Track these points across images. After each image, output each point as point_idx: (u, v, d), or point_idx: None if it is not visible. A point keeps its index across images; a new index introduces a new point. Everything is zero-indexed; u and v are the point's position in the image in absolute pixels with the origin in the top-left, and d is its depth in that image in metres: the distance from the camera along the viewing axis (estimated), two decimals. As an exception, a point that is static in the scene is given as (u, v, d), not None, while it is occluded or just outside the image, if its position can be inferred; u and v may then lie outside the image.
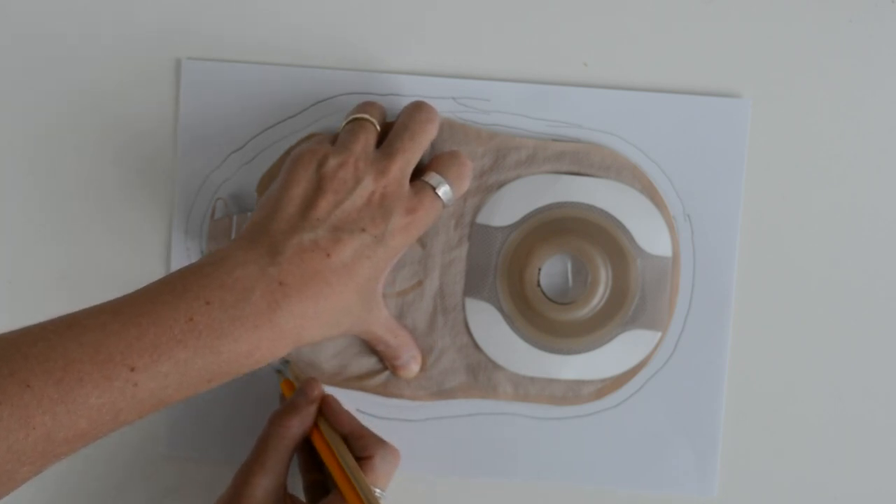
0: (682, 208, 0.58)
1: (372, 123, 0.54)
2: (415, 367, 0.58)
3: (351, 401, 0.59)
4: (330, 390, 0.59)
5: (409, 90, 0.59)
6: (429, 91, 0.58)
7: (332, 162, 0.51)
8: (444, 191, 0.54)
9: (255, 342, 0.47)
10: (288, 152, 0.59)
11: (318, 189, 0.51)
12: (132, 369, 0.44)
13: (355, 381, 0.59)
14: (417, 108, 0.54)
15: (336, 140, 0.54)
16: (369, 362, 0.59)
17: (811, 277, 0.59)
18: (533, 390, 0.58)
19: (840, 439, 0.59)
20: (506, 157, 0.58)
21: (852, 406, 0.59)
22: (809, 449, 0.60)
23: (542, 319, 0.58)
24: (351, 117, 0.55)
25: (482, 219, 0.58)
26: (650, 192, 0.58)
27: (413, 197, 0.53)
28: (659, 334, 0.58)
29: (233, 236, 0.58)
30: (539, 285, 0.58)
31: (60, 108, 0.60)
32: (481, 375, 0.58)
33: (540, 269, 0.58)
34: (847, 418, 0.59)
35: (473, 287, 0.58)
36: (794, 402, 0.59)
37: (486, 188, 0.58)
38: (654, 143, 0.58)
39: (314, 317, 0.49)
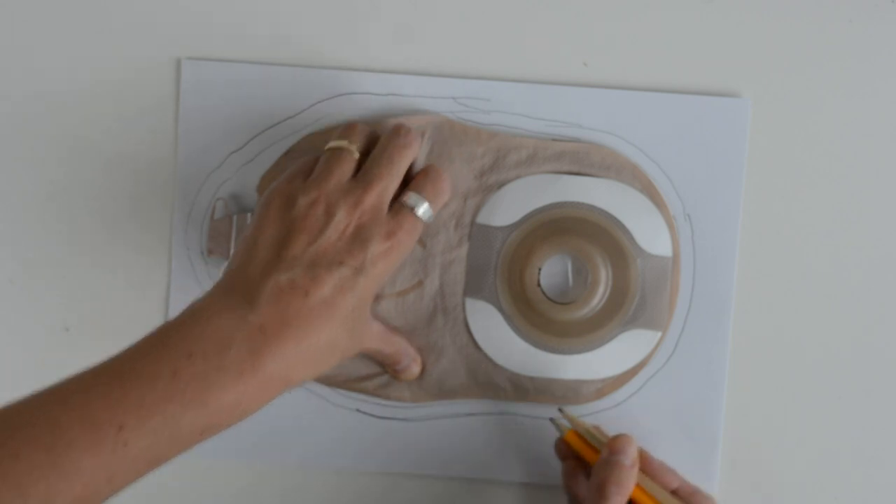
0: (682, 208, 0.58)
1: (349, 152, 0.53)
2: (416, 369, 0.58)
3: (351, 401, 0.59)
4: (330, 392, 0.59)
5: (409, 90, 0.59)
6: (429, 91, 0.58)
7: (303, 201, 0.51)
8: (423, 210, 0.53)
9: (241, 390, 0.47)
10: (288, 153, 0.58)
11: (290, 230, 0.51)
12: (120, 428, 0.44)
13: (355, 384, 0.59)
14: (395, 133, 0.54)
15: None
16: (369, 364, 0.58)
17: (811, 277, 0.59)
18: (533, 390, 0.58)
19: (840, 439, 0.59)
20: (506, 156, 0.58)
21: (852, 405, 0.59)
22: (809, 448, 0.60)
23: (542, 319, 0.58)
24: (329, 146, 0.54)
25: (482, 219, 0.58)
26: (650, 192, 0.58)
27: (391, 221, 0.52)
28: (659, 334, 0.58)
29: (233, 236, 0.58)
30: (539, 285, 0.58)
31: (60, 108, 0.60)
32: (481, 375, 0.58)
33: (540, 269, 0.58)
34: (847, 418, 0.59)
35: (473, 287, 0.58)
36: (794, 402, 0.59)
37: (486, 188, 0.58)
38: (654, 143, 0.58)
39: (299, 358, 0.49)
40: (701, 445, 0.59)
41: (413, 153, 0.54)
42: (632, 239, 0.58)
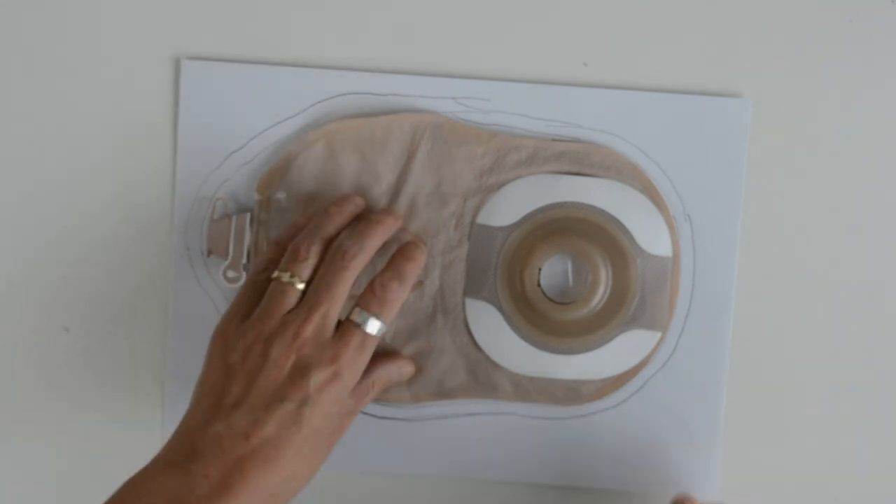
0: (682, 208, 0.58)
1: (290, 285, 0.52)
2: (409, 371, 0.58)
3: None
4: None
5: (409, 90, 0.59)
6: (429, 91, 0.58)
7: (241, 344, 0.51)
8: (371, 326, 0.52)
9: None
10: (289, 156, 0.58)
11: (229, 375, 0.51)
12: None
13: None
14: (333, 258, 0.53)
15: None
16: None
17: (811, 277, 0.59)
18: (533, 390, 0.58)
19: (840, 439, 0.59)
20: (506, 157, 0.58)
21: (852, 405, 0.59)
22: (809, 448, 0.60)
23: (542, 319, 0.58)
24: (273, 276, 0.53)
25: (482, 219, 0.58)
26: (650, 192, 0.58)
27: (337, 343, 0.51)
28: (659, 334, 0.58)
29: (232, 236, 0.58)
30: (539, 285, 0.58)
31: (60, 108, 0.60)
32: (481, 375, 0.58)
33: (540, 269, 0.57)
34: (847, 418, 0.59)
35: (473, 287, 0.58)
36: (793, 402, 0.59)
37: (486, 188, 0.58)
38: (655, 143, 0.58)
39: (255, 500, 0.48)
40: (701, 445, 0.59)
41: (353, 272, 0.53)
42: (632, 239, 0.58)
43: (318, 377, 0.50)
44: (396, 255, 0.55)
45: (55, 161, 0.60)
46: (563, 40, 0.59)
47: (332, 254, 0.53)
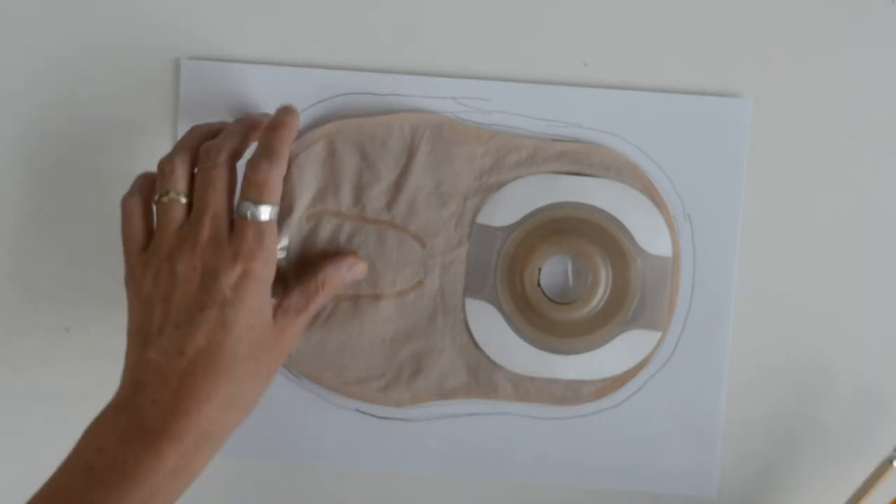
0: (682, 208, 0.58)
1: (174, 201, 0.52)
2: (361, 269, 0.57)
3: (351, 401, 0.59)
4: (330, 392, 0.59)
5: (409, 90, 0.58)
6: (429, 91, 0.58)
7: (148, 274, 0.51)
8: (260, 213, 0.51)
9: (162, 459, 0.47)
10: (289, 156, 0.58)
11: (148, 306, 0.51)
12: None
13: (355, 387, 0.59)
14: (204, 159, 0.53)
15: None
16: (367, 366, 0.58)
17: (811, 277, 0.59)
18: (533, 390, 0.58)
19: (840, 438, 0.59)
20: (506, 157, 0.58)
21: (852, 406, 0.59)
22: (809, 448, 0.60)
23: (542, 319, 0.58)
24: (155, 200, 0.53)
25: (482, 219, 0.58)
26: (650, 192, 0.58)
27: (234, 240, 0.51)
28: (659, 334, 0.58)
29: None
30: (539, 285, 0.58)
31: (60, 108, 0.60)
32: (481, 375, 0.58)
33: (540, 269, 0.58)
34: (847, 418, 0.59)
35: (474, 287, 0.58)
36: (793, 402, 0.59)
37: (486, 188, 0.58)
38: (655, 143, 0.58)
39: (210, 414, 0.49)
40: (701, 445, 0.59)
41: (226, 168, 0.52)
42: (632, 239, 0.58)
43: (227, 277, 0.50)
44: (264, 130, 0.53)
45: (56, 161, 0.60)
46: (563, 40, 0.59)
47: (201, 160, 0.53)
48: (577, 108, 0.58)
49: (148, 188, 0.54)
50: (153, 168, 0.60)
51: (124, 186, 0.57)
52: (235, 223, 0.52)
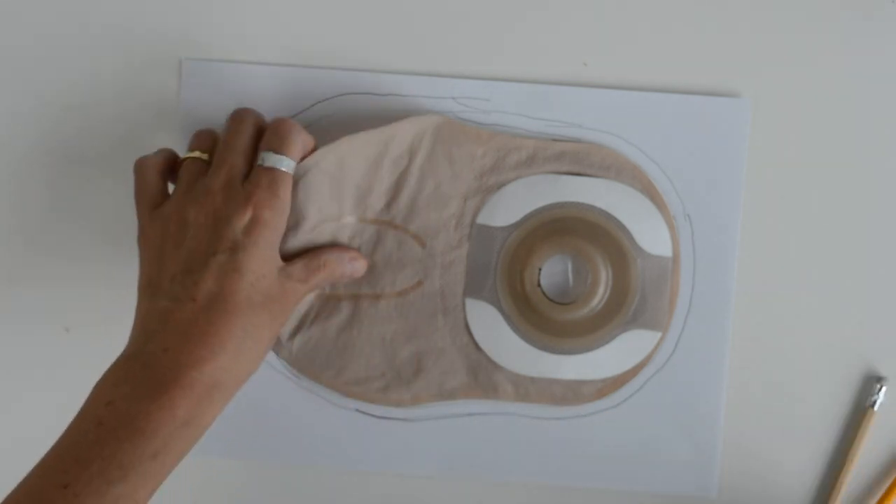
0: (682, 208, 0.58)
1: (195, 159, 0.53)
2: (361, 266, 0.57)
3: (351, 401, 0.59)
4: (330, 392, 0.59)
5: (408, 90, 0.59)
6: (428, 91, 0.58)
7: (159, 224, 0.51)
8: (276, 160, 0.52)
9: (172, 408, 0.46)
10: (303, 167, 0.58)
11: (160, 257, 0.51)
12: (65, 486, 0.44)
13: (355, 387, 0.59)
14: (230, 118, 0.54)
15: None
16: (367, 366, 0.58)
17: (811, 277, 0.59)
18: (533, 390, 0.58)
19: (839, 437, 0.59)
20: (506, 157, 0.58)
21: (851, 405, 0.59)
22: (809, 448, 0.60)
23: (542, 319, 0.58)
24: (181, 158, 0.54)
25: (482, 219, 0.58)
26: (650, 192, 0.58)
27: (247, 186, 0.51)
28: (659, 334, 0.58)
29: None
30: (539, 285, 0.58)
31: (61, 109, 0.60)
32: (482, 375, 0.58)
33: (540, 269, 0.58)
34: (846, 418, 0.59)
35: (474, 287, 0.58)
36: (793, 402, 0.59)
37: (486, 189, 0.58)
38: (654, 143, 0.58)
39: (222, 363, 0.48)
40: (701, 445, 0.59)
41: (249, 124, 0.53)
42: (632, 239, 0.58)
43: (239, 222, 0.50)
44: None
45: (55, 161, 0.60)
46: (563, 40, 0.59)
47: (227, 122, 0.54)
48: (577, 109, 0.58)
49: (166, 155, 0.55)
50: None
51: (124, 186, 0.57)
52: (252, 172, 0.52)
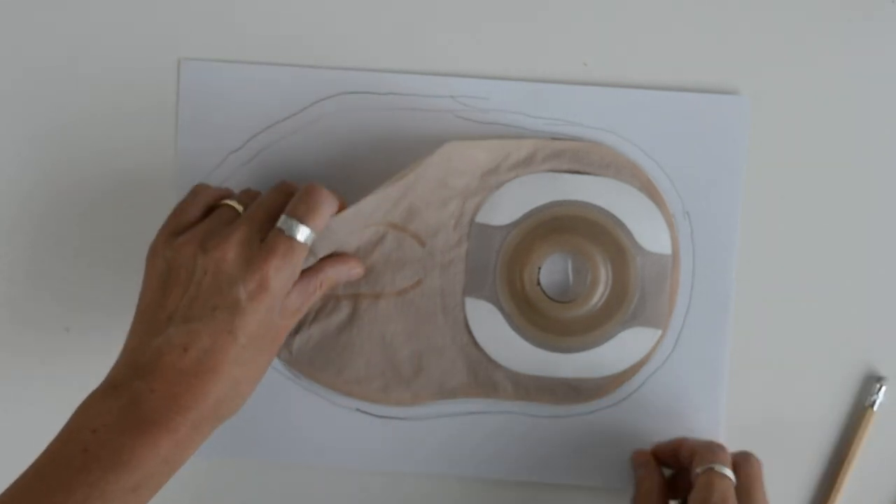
0: (681, 205, 0.58)
1: (230, 207, 0.53)
2: (359, 272, 0.57)
3: (351, 401, 0.59)
4: (330, 391, 0.59)
5: (407, 89, 0.59)
6: (427, 90, 0.58)
7: (172, 255, 0.51)
8: (298, 231, 0.51)
9: (152, 447, 0.47)
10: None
11: (163, 288, 0.51)
12: None
13: (355, 386, 0.59)
14: (275, 185, 0.55)
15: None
16: (367, 366, 0.58)
17: (810, 274, 0.59)
18: (533, 389, 0.58)
19: (838, 436, 0.59)
20: (506, 157, 0.58)
21: (851, 405, 0.59)
22: (809, 448, 0.59)
23: (542, 318, 0.58)
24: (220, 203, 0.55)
25: (481, 218, 0.58)
26: (649, 190, 0.58)
27: (262, 250, 0.51)
28: (659, 332, 0.58)
29: None
30: (539, 284, 0.58)
31: (60, 109, 0.60)
32: (481, 374, 0.58)
33: (540, 268, 0.57)
34: (846, 418, 0.59)
35: (473, 286, 0.58)
36: (793, 400, 0.59)
37: (486, 188, 0.58)
38: (654, 141, 0.58)
39: (205, 412, 0.49)
40: (701, 444, 0.59)
41: (286, 193, 0.53)
42: (631, 237, 0.58)
43: (245, 285, 0.50)
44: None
45: (55, 161, 0.60)
46: (562, 40, 0.59)
47: (271, 188, 0.54)
48: (576, 107, 0.58)
49: (221, 194, 0.55)
50: (153, 167, 0.60)
51: (124, 187, 0.57)
52: (270, 235, 0.51)
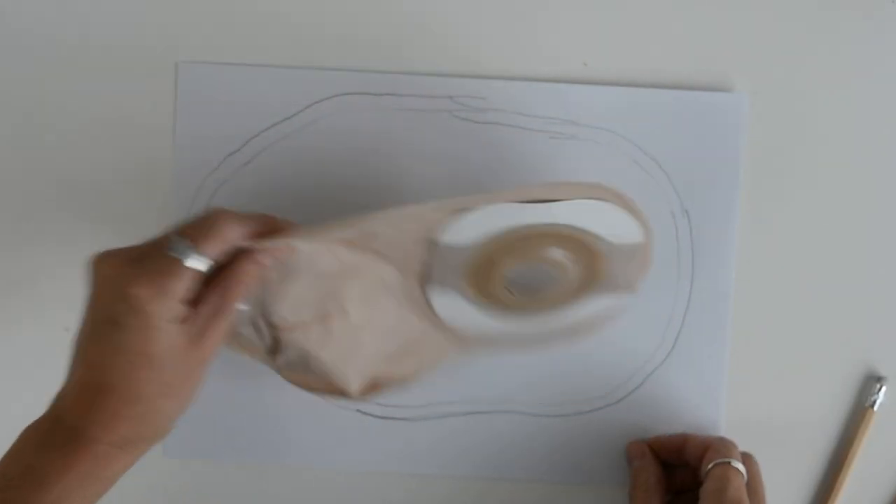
0: (679, 203, 0.58)
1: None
2: (265, 257, 0.51)
3: (350, 401, 0.59)
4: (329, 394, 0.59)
5: (406, 89, 0.59)
6: (426, 90, 0.59)
7: (101, 261, 0.49)
8: (186, 252, 0.48)
9: (72, 467, 0.47)
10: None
11: (88, 298, 0.49)
12: None
13: (356, 392, 0.57)
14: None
15: None
16: (353, 371, 0.57)
17: (809, 271, 0.59)
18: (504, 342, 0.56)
19: (838, 434, 0.59)
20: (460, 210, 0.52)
21: (851, 405, 0.59)
22: (809, 448, 0.59)
23: (511, 309, 0.55)
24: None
25: (446, 240, 0.53)
26: (622, 203, 0.52)
27: (146, 263, 0.48)
28: (632, 294, 0.55)
29: None
30: (507, 287, 0.54)
31: (59, 111, 0.60)
32: (463, 344, 0.56)
33: (507, 277, 0.54)
34: (846, 417, 0.59)
35: (440, 285, 0.54)
36: (793, 400, 0.59)
37: (449, 217, 0.52)
38: (651, 139, 0.58)
39: (121, 431, 0.48)
40: (700, 443, 0.59)
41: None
42: (601, 238, 0.53)
43: (125, 300, 0.47)
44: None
45: (54, 163, 0.60)
46: (561, 39, 0.59)
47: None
48: (574, 106, 0.58)
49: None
50: (151, 169, 0.60)
51: (123, 187, 0.58)
52: (156, 251, 0.48)
